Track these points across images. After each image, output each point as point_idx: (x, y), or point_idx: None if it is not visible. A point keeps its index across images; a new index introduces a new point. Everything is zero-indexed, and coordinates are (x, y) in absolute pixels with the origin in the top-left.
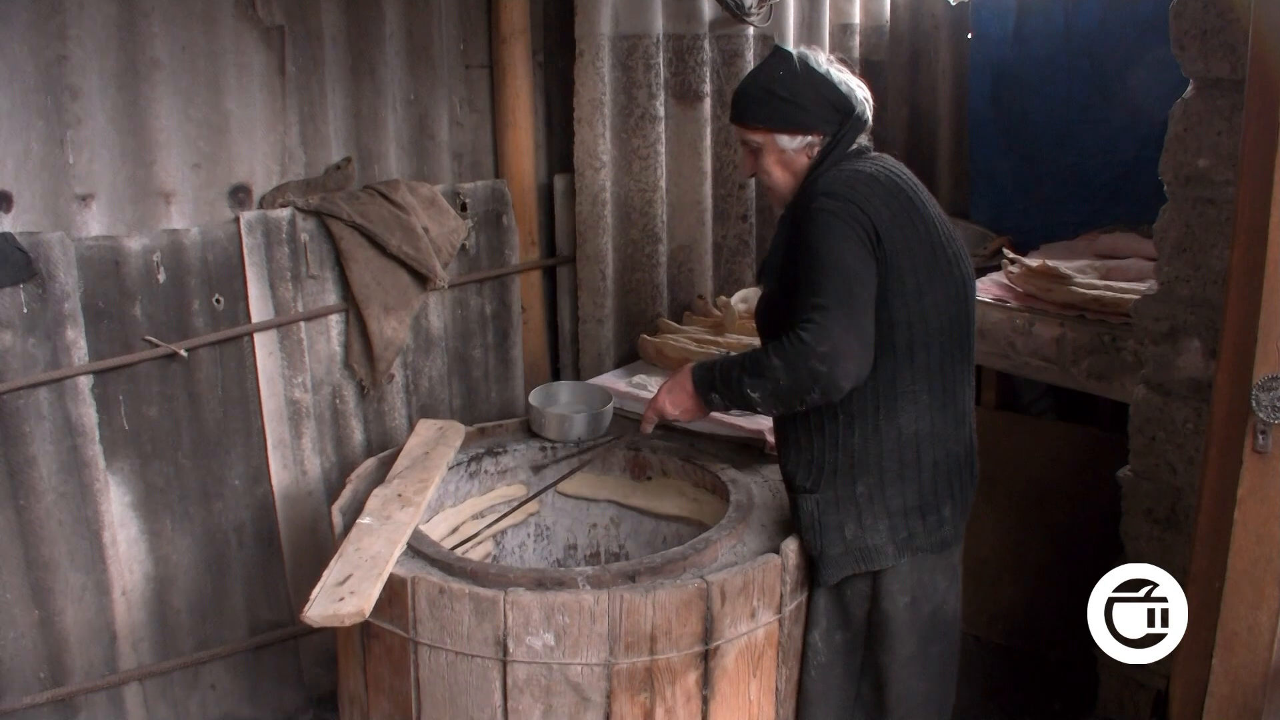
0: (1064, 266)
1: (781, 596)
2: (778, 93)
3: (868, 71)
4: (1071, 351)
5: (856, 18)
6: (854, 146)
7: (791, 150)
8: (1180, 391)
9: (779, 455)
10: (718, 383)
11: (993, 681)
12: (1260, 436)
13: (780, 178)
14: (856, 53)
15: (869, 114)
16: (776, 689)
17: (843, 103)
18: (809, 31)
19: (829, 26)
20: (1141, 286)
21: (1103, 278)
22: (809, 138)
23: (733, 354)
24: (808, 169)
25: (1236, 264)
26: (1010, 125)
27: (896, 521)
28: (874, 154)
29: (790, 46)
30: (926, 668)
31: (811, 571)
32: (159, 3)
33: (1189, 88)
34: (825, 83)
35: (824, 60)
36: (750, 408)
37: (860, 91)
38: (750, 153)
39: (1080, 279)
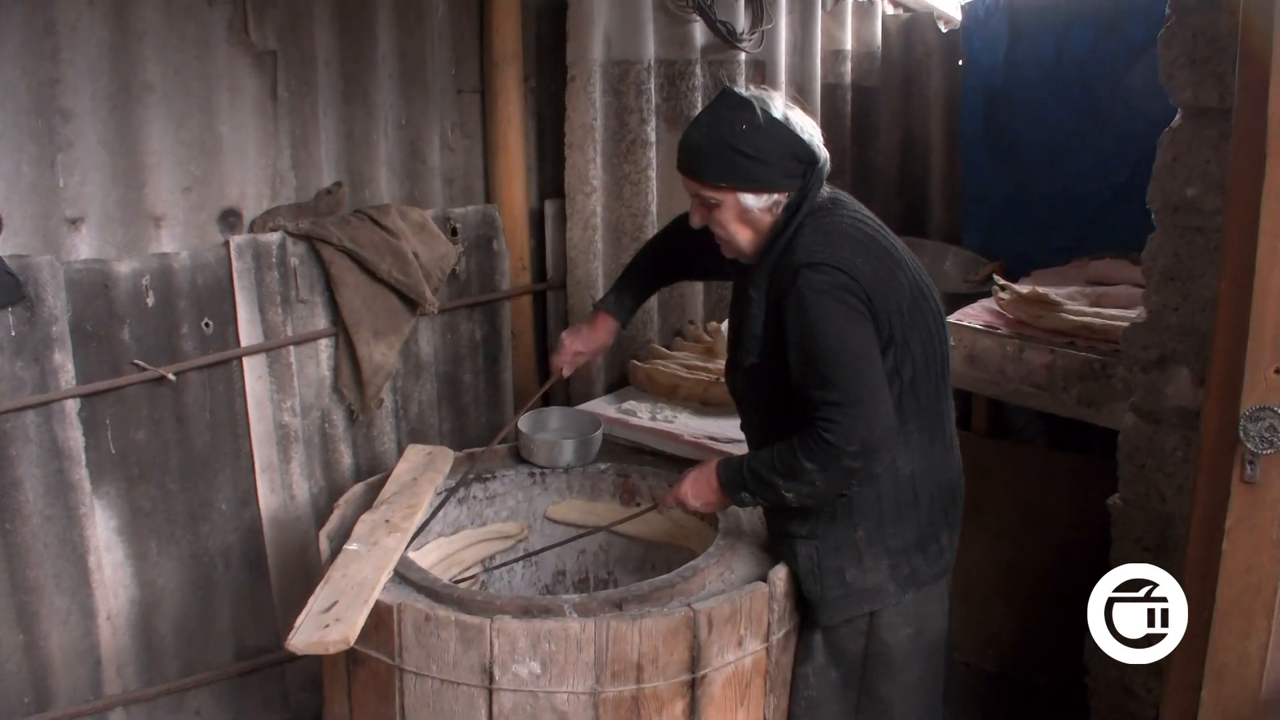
0: (1054, 293)
1: (769, 625)
2: (741, 149)
3: (860, 97)
4: (1062, 378)
5: (849, 44)
6: (820, 198)
7: (757, 210)
8: (1170, 419)
9: (765, 506)
10: (748, 483)
11: (983, 708)
12: (1248, 466)
13: (743, 236)
14: (848, 78)
15: (828, 160)
16: (764, 718)
17: (806, 153)
18: (801, 57)
19: (821, 52)
20: (1131, 314)
21: (1093, 304)
22: (775, 196)
23: (758, 453)
24: (774, 227)
25: (1225, 293)
26: (1002, 150)
27: (898, 560)
28: (835, 198)
29: (741, 89)
30: (922, 689)
31: (806, 610)
32: (152, 26)
33: (1177, 116)
34: (788, 134)
35: (781, 105)
36: (784, 506)
37: (818, 135)
38: (702, 205)
39: (1070, 306)
